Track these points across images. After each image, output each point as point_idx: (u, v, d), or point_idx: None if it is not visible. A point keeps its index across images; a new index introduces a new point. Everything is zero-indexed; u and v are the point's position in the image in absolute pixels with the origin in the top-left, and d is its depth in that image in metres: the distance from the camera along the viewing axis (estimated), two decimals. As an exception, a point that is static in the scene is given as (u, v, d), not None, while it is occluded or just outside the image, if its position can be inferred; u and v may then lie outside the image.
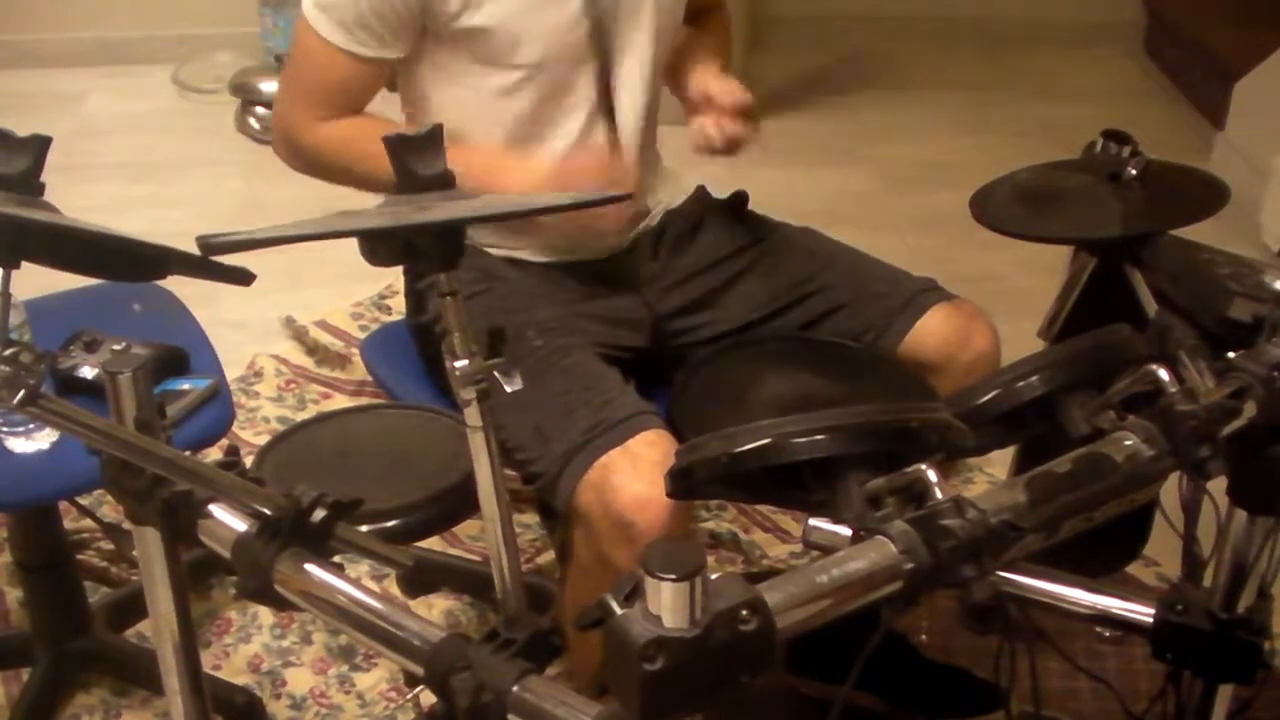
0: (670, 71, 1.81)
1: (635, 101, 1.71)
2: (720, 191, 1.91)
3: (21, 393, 0.87)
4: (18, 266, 0.90)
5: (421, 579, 1.89)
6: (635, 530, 1.43)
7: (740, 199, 1.90)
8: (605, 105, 1.69)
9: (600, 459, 1.48)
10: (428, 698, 0.93)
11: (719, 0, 1.94)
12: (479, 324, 1.04)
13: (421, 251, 1.00)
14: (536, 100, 1.66)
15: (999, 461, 1.92)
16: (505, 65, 1.62)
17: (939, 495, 0.84)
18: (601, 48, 1.65)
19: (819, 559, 0.79)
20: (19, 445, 1.59)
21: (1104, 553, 1.62)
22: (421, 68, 1.67)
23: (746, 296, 1.78)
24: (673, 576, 0.67)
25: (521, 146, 1.68)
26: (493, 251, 1.74)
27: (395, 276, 2.61)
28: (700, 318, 1.78)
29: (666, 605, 0.68)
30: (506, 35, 1.60)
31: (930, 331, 1.72)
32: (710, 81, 1.70)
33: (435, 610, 2.11)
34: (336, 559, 1.00)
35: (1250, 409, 0.95)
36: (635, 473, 1.45)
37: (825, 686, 1.27)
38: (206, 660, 2.00)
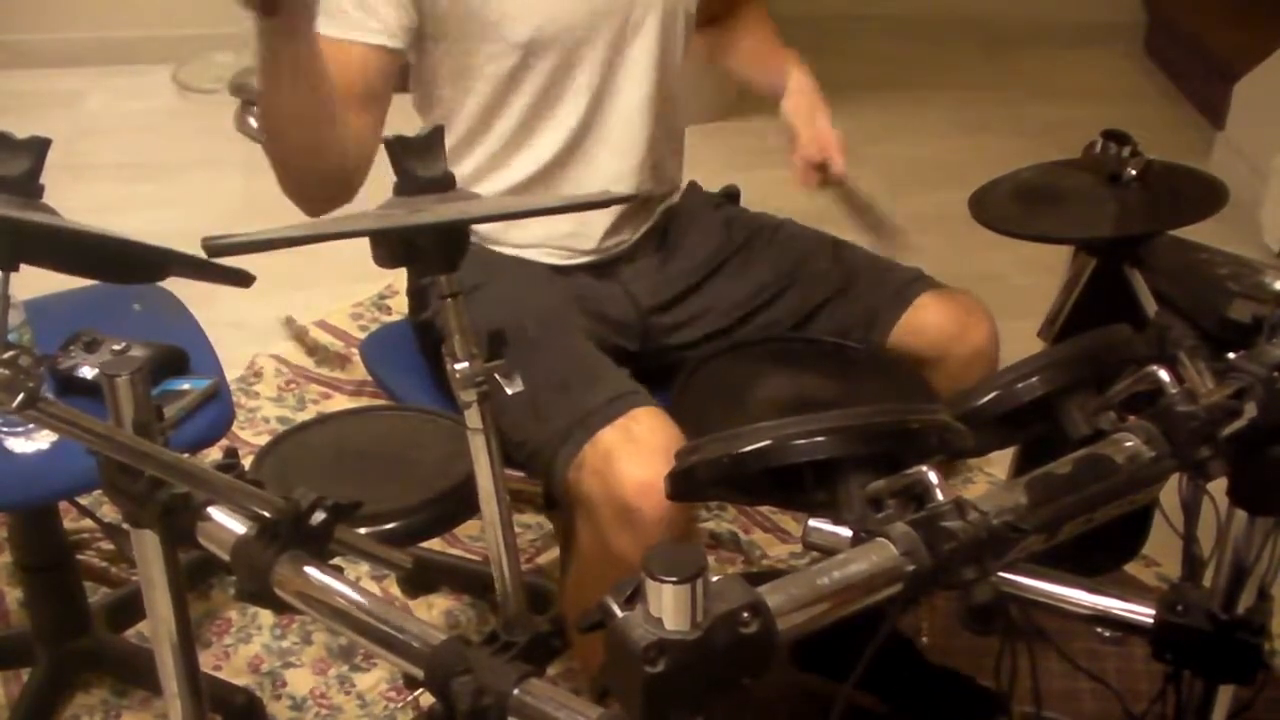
0: (750, 69, 1.97)
1: (640, 92, 1.71)
2: (712, 187, 1.91)
3: (20, 396, 0.87)
4: (16, 269, 0.91)
5: (421, 579, 1.89)
6: (638, 516, 1.42)
7: (731, 194, 1.89)
8: (607, 95, 1.69)
9: (595, 436, 1.47)
10: (427, 699, 0.93)
11: None
12: (479, 321, 1.04)
13: (422, 253, 1.01)
14: (539, 87, 1.66)
15: (999, 462, 1.91)
16: (502, 44, 1.61)
17: (940, 497, 0.84)
18: (604, 34, 1.66)
19: (820, 560, 0.79)
20: (19, 445, 1.59)
21: (1103, 551, 1.62)
22: (424, 69, 1.68)
23: (731, 292, 1.78)
24: (674, 579, 0.67)
25: (522, 138, 1.69)
26: (497, 249, 1.75)
27: (395, 277, 2.61)
28: (687, 315, 1.78)
29: (668, 608, 0.68)
30: (496, 8, 1.59)
31: (926, 323, 1.71)
32: (800, 127, 1.84)
33: (435, 611, 2.11)
34: (335, 561, 1.00)
35: (1250, 409, 0.95)
36: (638, 458, 1.44)
37: (829, 684, 1.27)
38: (207, 661, 2.00)
